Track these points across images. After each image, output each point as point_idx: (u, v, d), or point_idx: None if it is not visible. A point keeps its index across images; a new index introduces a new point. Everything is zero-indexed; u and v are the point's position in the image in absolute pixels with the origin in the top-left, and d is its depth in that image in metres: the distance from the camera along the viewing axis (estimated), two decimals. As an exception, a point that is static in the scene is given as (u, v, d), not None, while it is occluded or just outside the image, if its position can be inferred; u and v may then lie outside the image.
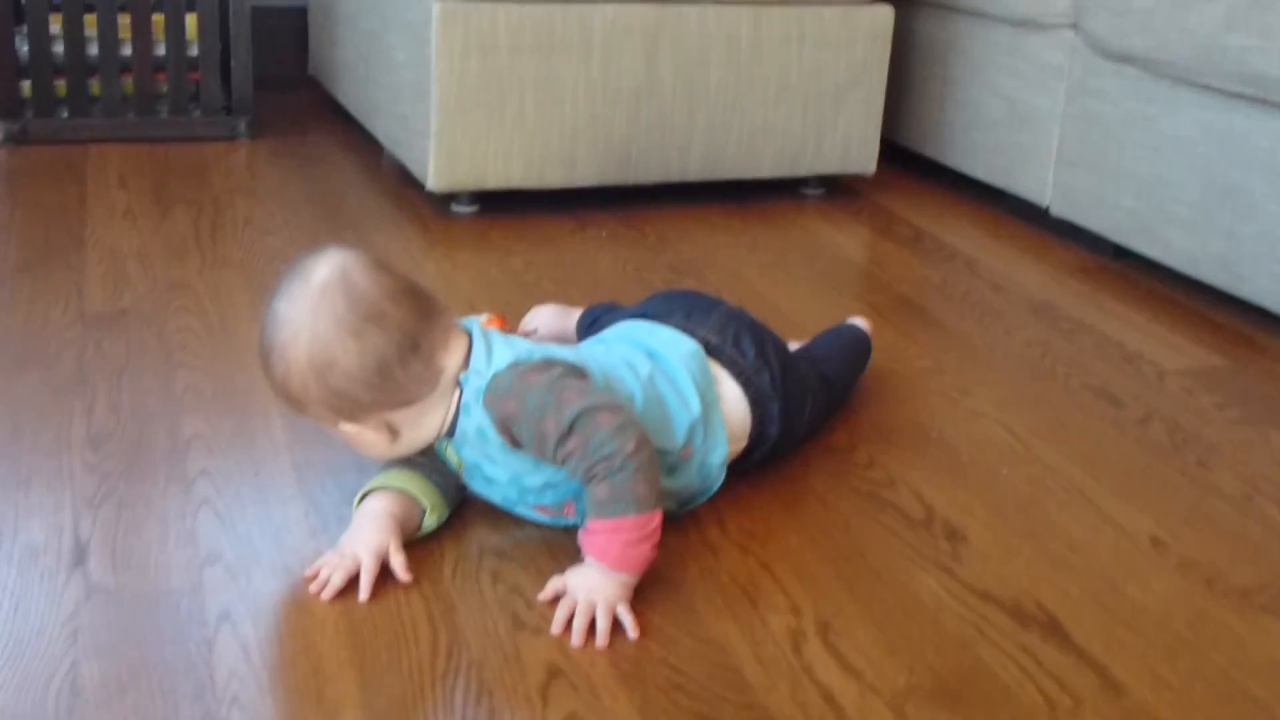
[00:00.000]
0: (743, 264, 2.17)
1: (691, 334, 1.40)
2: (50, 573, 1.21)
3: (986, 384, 1.74)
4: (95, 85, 2.69)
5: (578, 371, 1.25)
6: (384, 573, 1.22)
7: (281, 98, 3.12)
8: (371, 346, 1.19)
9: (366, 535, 1.23)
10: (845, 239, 2.35)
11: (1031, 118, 2.40)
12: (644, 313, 1.47)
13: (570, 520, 1.31)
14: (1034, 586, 1.28)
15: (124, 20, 2.67)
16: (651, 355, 1.36)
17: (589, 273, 2.08)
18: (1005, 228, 2.46)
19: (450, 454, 1.29)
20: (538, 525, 1.32)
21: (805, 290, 2.06)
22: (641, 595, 1.21)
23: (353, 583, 1.21)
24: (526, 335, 1.76)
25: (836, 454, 1.52)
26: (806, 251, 2.25)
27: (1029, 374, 1.79)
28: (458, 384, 1.24)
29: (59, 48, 2.65)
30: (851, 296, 2.05)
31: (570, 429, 1.18)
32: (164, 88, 2.74)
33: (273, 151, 2.70)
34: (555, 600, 1.20)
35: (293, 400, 1.23)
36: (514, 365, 1.23)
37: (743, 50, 2.40)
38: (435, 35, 2.18)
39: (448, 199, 2.37)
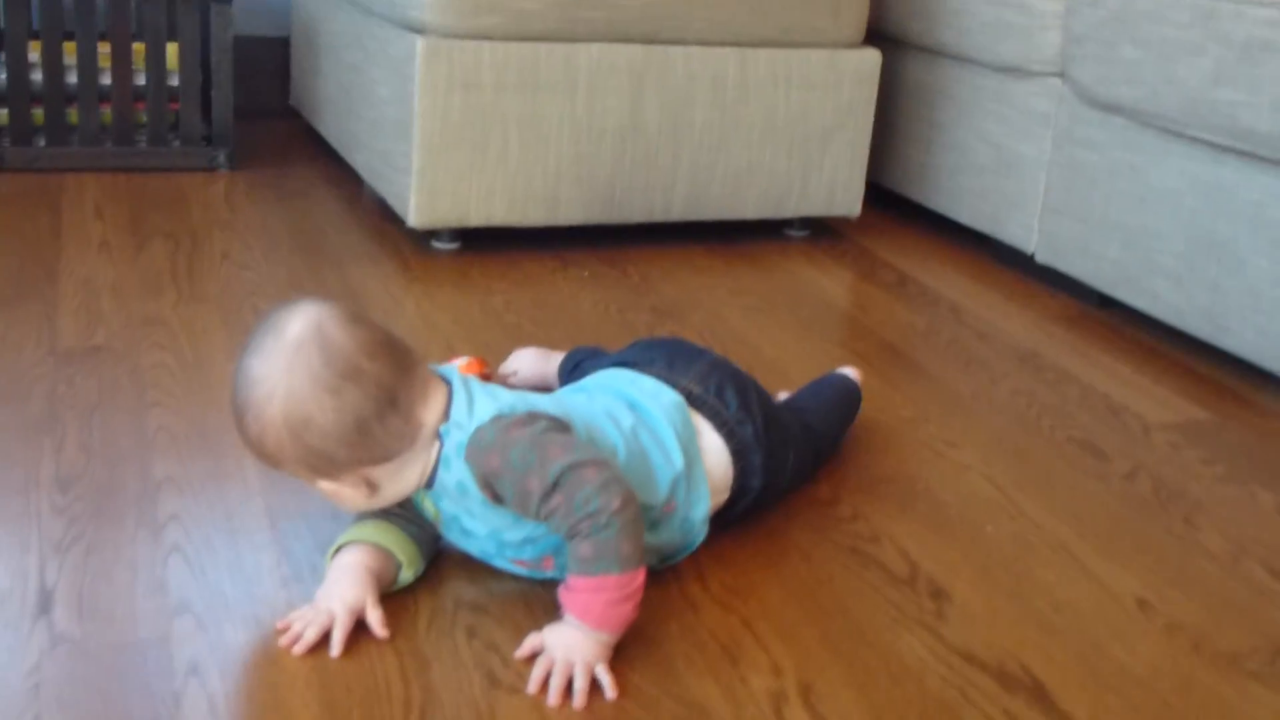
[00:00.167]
0: (725, 306, 2.15)
1: (674, 384, 1.38)
2: (14, 621, 1.18)
3: (972, 435, 1.73)
4: (73, 114, 2.66)
5: (561, 425, 1.23)
6: (357, 627, 1.19)
7: (262, 128, 3.10)
8: (349, 404, 1.16)
9: (342, 590, 1.20)
10: (829, 282, 2.33)
11: (1018, 164, 2.39)
12: (626, 360, 1.45)
13: (549, 574, 1.28)
14: (1019, 649, 1.25)
15: (104, 49, 2.65)
16: (633, 406, 1.34)
17: (570, 314, 2.06)
18: (990, 274, 2.45)
19: (427, 505, 1.26)
20: (515, 578, 1.30)
21: (789, 335, 2.04)
22: (621, 653, 1.18)
23: (325, 637, 1.18)
24: (506, 378, 1.74)
25: (820, 506, 1.50)
26: (790, 295, 2.24)
27: (1014, 425, 1.77)
28: (437, 436, 1.21)
29: (37, 75, 2.62)
30: (835, 342, 2.03)
31: (554, 486, 1.15)
32: (143, 117, 2.71)
33: (252, 183, 2.68)
34: (532, 658, 1.17)
35: (268, 458, 1.20)
36: (497, 419, 1.20)
37: (728, 91, 2.39)
38: (419, 71, 2.17)
39: (429, 235, 2.35)
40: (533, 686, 1.14)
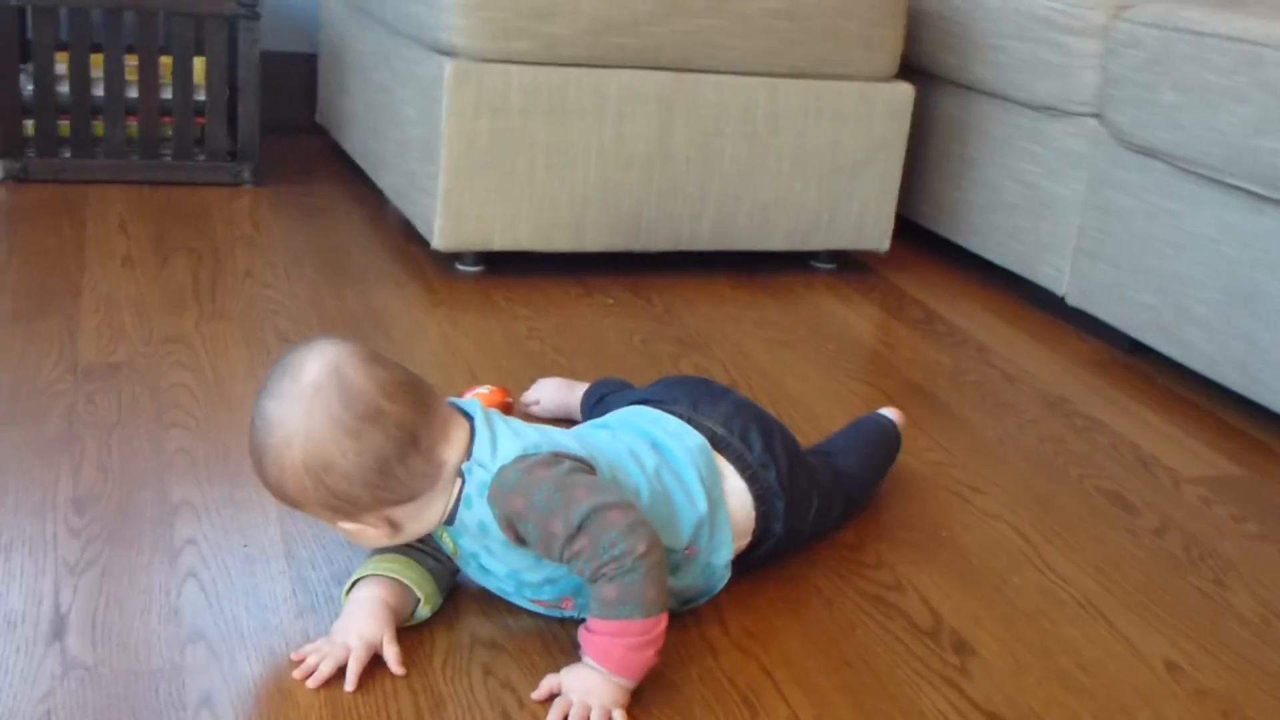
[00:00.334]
0: (750, 339, 2.13)
1: (698, 425, 1.36)
2: (27, 645, 1.17)
3: (998, 482, 1.70)
4: (99, 126, 2.65)
5: (586, 466, 1.21)
6: (371, 661, 1.17)
7: (287, 144, 3.09)
8: (370, 446, 1.14)
9: (360, 625, 1.18)
10: (855, 317, 2.31)
11: (1051, 205, 2.37)
12: (650, 398, 1.43)
13: (568, 614, 1.26)
14: (1044, 709, 1.23)
15: (131, 62, 2.64)
16: (657, 447, 1.32)
17: (594, 343, 2.04)
18: (1019, 314, 2.42)
19: (446, 539, 1.24)
20: (533, 615, 1.28)
21: (814, 371, 2.02)
22: (638, 697, 1.16)
23: (339, 671, 1.16)
24: (528, 407, 1.73)
25: (842, 551, 1.48)
26: (815, 329, 2.22)
27: (1042, 473, 1.74)
28: (459, 474, 1.19)
29: (64, 87, 2.62)
30: (860, 380, 2.01)
31: (579, 528, 1.13)
32: (169, 131, 2.70)
33: (277, 199, 2.67)
34: (549, 700, 1.15)
35: (289, 501, 1.19)
36: (521, 458, 1.18)
37: (759, 121, 2.37)
38: (446, 94, 2.15)
39: (453, 257, 2.33)
40: (549, 730, 1.12)
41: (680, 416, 1.37)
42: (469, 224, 2.24)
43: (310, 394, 1.14)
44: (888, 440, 1.64)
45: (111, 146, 2.65)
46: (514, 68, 2.18)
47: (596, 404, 1.60)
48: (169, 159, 2.70)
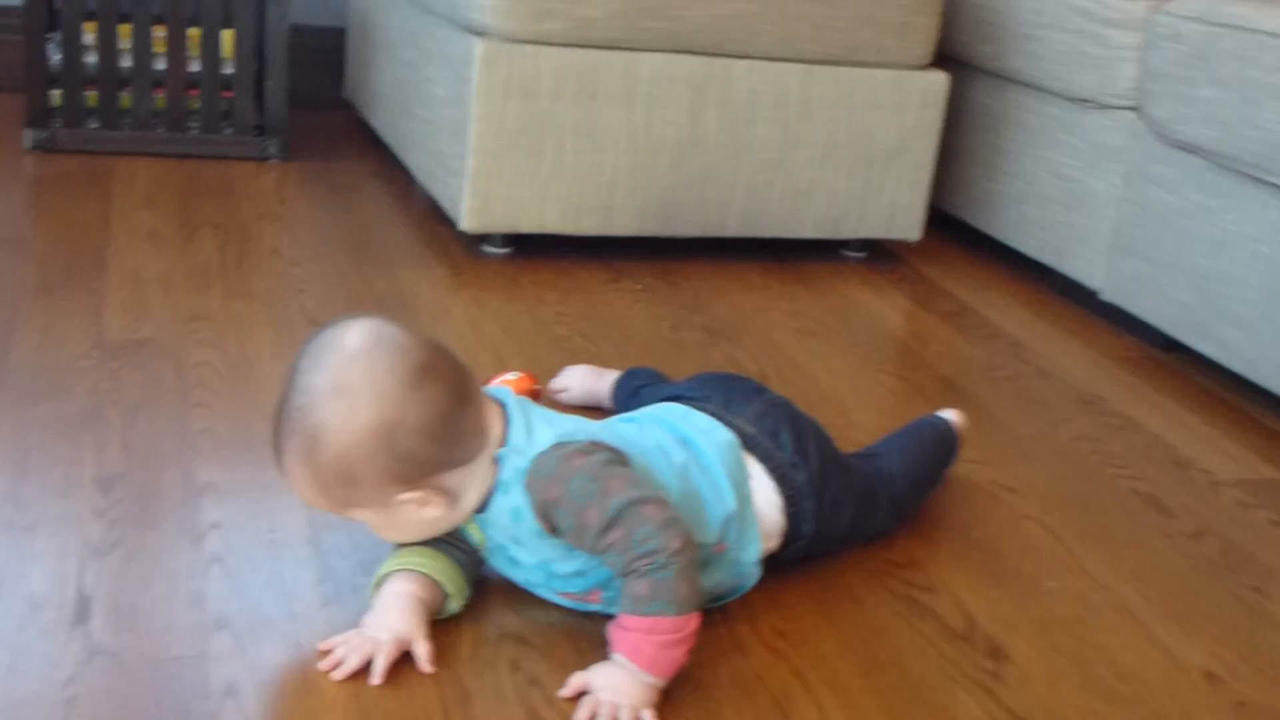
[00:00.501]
0: (779, 329, 2.11)
1: (728, 423, 1.33)
2: (50, 629, 1.15)
3: (1032, 481, 1.67)
4: (126, 98, 2.64)
5: (621, 458, 1.19)
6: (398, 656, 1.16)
7: (315, 119, 3.07)
8: (433, 398, 1.14)
9: (391, 620, 1.16)
10: (886, 308, 2.28)
11: (1086, 198, 2.34)
12: (682, 394, 1.41)
13: (595, 607, 1.24)
14: (1081, 718, 1.21)
15: (159, 33, 2.62)
16: (686, 442, 1.29)
17: (621, 329, 2.02)
18: (1053, 308, 2.39)
19: (474, 530, 1.22)
20: (560, 608, 1.26)
21: (845, 363, 1.99)
22: (667, 697, 1.14)
23: (365, 664, 1.14)
24: (556, 395, 1.71)
25: (874, 549, 1.45)
26: (845, 319, 2.19)
27: (1076, 473, 1.72)
28: (494, 461, 1.17)
29: (92, 57, 2.60)
30: (892, 373, 1.98)
31: (614, 520, 1.12)
32: (196, 104, 2.68)
33: (303, 175, 2.65)
34: (577, 697, 1.13)
35: (340, 486, 1.15)
36: (558, 446, 1.17)
37: (791, 108, 2.34)
38: (476, 75, 2.13)
39: (480, 239, 2.31)
40: (577, 729, 1.10)
41: (711, 414, 1.34)
42: (497, 206, 2.21)
43: (363, 358, 1.13)
44: (941, 443, 1.59)
45: (139, 118, 2.64)
46: (545, 49, 2.16)
47: (631, 396, 1.58)
48: (195, 132, 2.69)
